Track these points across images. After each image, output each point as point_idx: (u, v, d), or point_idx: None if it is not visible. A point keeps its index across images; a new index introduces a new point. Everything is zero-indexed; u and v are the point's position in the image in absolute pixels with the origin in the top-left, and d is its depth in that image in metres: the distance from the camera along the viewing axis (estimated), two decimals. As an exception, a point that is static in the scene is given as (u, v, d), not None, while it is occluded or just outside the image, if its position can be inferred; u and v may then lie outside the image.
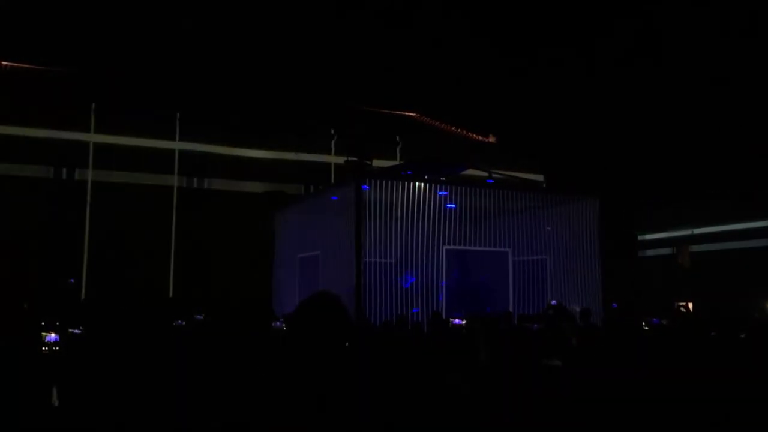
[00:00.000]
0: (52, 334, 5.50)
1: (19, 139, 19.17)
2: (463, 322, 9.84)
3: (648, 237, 25.60)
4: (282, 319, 9.32)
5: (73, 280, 18.65)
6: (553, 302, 12.18)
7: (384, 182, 12.21)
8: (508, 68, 31.46)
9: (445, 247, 12.76)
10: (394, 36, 32.61)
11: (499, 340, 6.26)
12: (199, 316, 8.63)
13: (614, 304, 13.16)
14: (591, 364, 4.26)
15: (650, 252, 25.68)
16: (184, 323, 8.10)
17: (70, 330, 6.58)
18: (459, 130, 27.19)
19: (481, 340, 5.84)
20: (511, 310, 12.72)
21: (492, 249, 13.46)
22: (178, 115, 20.96)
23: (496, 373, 4.46)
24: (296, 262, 15.05)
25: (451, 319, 10.65)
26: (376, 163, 18.22)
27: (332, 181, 21.19)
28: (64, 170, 19.87)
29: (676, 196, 24.29)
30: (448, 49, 33.60)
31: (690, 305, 21.68)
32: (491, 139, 26.60)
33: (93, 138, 19.91)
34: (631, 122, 26.94)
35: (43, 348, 5.23)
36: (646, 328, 8.33)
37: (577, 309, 11.42)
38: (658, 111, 26.91)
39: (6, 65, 23.31)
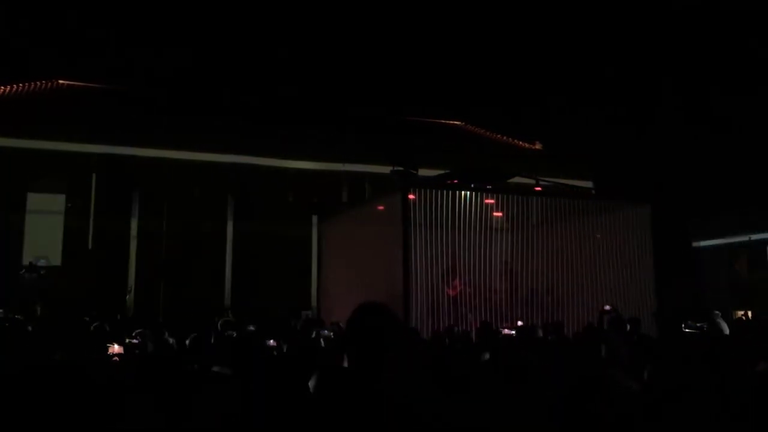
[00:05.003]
0: (116, 346, 5.65)
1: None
2: (513, 332, 9.72)
3: (703, 244, 24.83)
4: (327, 329, 9.43)
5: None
6: (607, 308, 11.72)
7: (430, 191, 12.20)
8: (562, 77, 31.17)
9: (493, 256, 12.66)
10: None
11: (547, 350, 6.22)
12: (251, 327, 8.80)
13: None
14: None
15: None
16: (235, 334, 8.25)
17: (128, 340, 6.78)
18: (505, 137, 26.98)
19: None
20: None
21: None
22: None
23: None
24: (343, 272, 15.14)
25: (500, 329, 10.53)
26: (422, 172, 18.18)
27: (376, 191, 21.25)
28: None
29: (731, 203, 23.51)
30: (499, 55, 33.47)
31: (750, 313, 20.91)
32: (537, 146, 26.30)
33: (139, 152, 20.24)
34: (683, 128, 26.26)
35: (113, 359, 5.31)
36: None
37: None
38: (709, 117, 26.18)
39: (63, 83, 24.26)
